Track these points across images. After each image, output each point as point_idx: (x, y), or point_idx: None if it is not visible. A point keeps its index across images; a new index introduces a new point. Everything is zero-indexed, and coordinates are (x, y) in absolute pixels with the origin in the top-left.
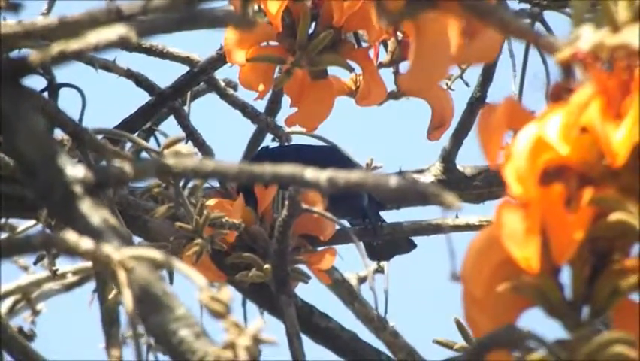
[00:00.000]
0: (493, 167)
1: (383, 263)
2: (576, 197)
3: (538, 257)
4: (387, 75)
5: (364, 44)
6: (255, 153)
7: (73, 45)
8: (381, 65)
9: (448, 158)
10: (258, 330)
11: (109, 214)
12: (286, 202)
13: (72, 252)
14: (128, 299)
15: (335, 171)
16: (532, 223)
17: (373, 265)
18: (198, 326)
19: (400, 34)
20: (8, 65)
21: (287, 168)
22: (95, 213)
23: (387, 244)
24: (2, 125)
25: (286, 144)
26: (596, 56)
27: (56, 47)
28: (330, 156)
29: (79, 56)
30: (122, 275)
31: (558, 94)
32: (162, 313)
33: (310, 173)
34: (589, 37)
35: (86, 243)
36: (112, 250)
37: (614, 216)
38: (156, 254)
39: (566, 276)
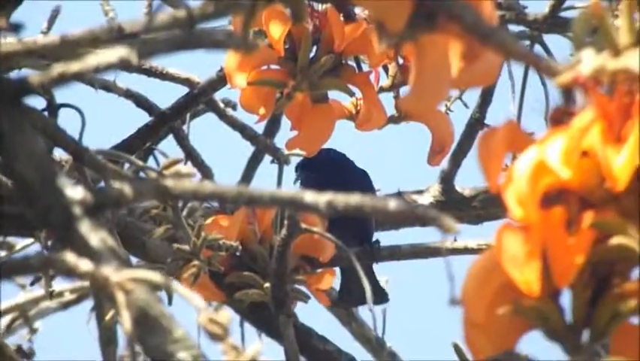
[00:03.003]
0: (494, 190)
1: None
2: (577, 221)
3: (538, 280)
4: (387, 99)
5: (365, 68)
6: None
7: (74, 67)
8: (381, 90)
9: (447, 179)
10: (257, 352)
11: (108, 236)
12: (286, 222)
13: (71, 273)
14: (126, 321)
15: (334, 194)
16: (533, 247)
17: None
18: (197, 348)
19: (400, 59)
20: (8, 86)
21: (286, 192)
22: (93, 235)
23: (359, 291)
24: (2, 146)
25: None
26: (597, 80)
27: (57, 69)
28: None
29: (79, 78)
30: (120, 297)
31: (559, 118)
32: (160, 335)
33: (309, 196)
34: (590, 61)
35: (84, 264)
36: (111, 272)
37: (615, 241)
38: (155, 276)
39: (566, 299)
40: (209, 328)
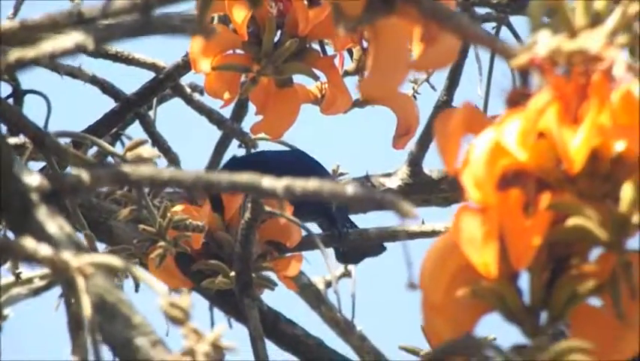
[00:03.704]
0: (451, 172)
1: (350, 267)
2: (534, 202)
3: (496, 262)
4: (352, 83)
5: (330, 52)
6: (224, 162)
7: (30, 53)
8: (346, 73)
9: (415, 161)
10: (218, 336)
11: (65, 222)
12: (249, 205)
13: (31, 258)
14: (86, 306)
15: (292, 179)
16: (491, 228)
17: (339, 270)
18: (155, 334)
19: (365, 43)
20: None
21: (244, 177)
22: (51, 221)
23: (357, 247)
24: None
25: (253, 150)
26: (553, 61)
27: (13, 55)
28: (297, 161)
29: (35, 63)
30: (80, 282)
31: (516, 99)
32: (119, 321)
33: (267, 181)
34: (546, 42)
35: (44, 249)
36: (70, 257)
37: (572, 222)
38: (115, 261)
39: (524, 281)
40: (170, 312)
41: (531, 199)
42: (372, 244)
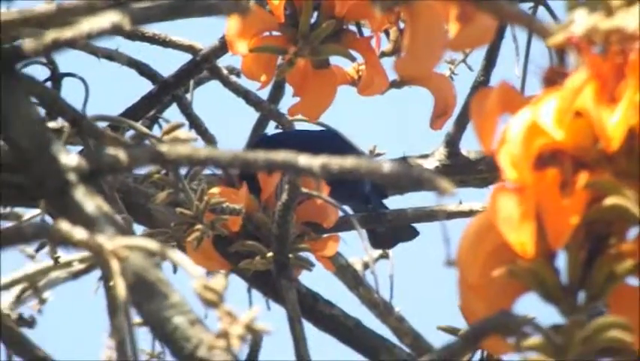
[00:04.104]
0: (488, 152)
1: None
2: (571, 181)
3: (533, 242)
4: (389, 64)
5: (367, 33)
6: (254, 140)
7: (67, 33)
8: (383, 54)
9: (452, 142)
10: (252, 318)
11: (103, 202)
12: (286, 187)
13: (66, 241)
14: (120, 288)
15: (329, 157)
16: (527, 208)
17: (376, 251)
18: (193, 313)
19: (402, 23)
20: (2, 54)
21: (280, 155)
22: (89, 201)
23: (390, 232)
24: None
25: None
26: (590, 40)
27: (50, 35)
28: (331, 141)
29: (72, 44)
30: (114, 264)
31: (552, 78)
32: (157, 300)
33: (304, 159)
34: (582, 21)
35: (79, 232)
36: (105, 240)
37: (610, 201)
38: (150, 243)
39: (562, 261)
40: (204, 294)
41: (568, 178)
42: (405, 229)
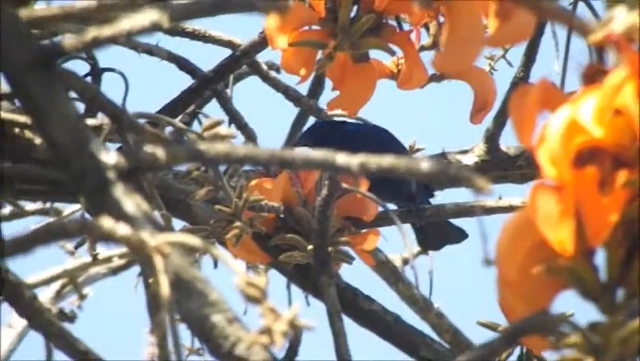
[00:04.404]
0: (527, 148)
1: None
2: (610, 179)
3: (572, 240)
4: (429, 58)
5: (406, 27)
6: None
7: (106, 31)
8: (422, 49)
9: (492, 138)
10: (295, 315)
11: (142, 200)
12: (326, 182)
13: (108, 238)
14: (164, 286)
15: (367, 155)
16: (567, 206)
17: (415, 247)
18: (231, 311)
19: (441, 17)
20: (42, 50)
21: (318, 154)
22: (128, 199)
23: (438, 233)
24: (34, 112)
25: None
26: (630, 37)
27: (90, 33)
28: (376, 135)
29: (112, 41)
30: (158, 261)
31: (592, 76)
32: (195, 298)
33: (342, 158)
34: (622, 18)
35: (122, 229)
36: (148, 236)
37: None
38: (193, 240)
39: (600, 258)
40: (247, 291)
41: (607, 176)
42: (454, 231)
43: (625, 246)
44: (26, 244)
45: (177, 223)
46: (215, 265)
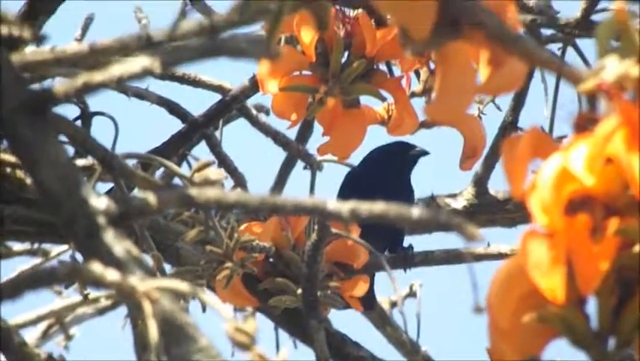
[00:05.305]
0: (518, 196)
1: (416, 288)
2: (601, 227)
3: (563, 287)
4: (419, 104)
5: (397, 73)
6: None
7: (97, 77)
8: (413, 95)
9: (480, 182)
10: None
11: (132, 246)
12: (316, 227)
13: (98, 283)
14: (153, 331)
15: (357, 202)
16: (558, 253)
17: (404, 290)
18: (221, 357)
19: (432, 64)
20: (33, 96)
21: (309, 200)
22: (118, 245)
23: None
24: (25, 157)
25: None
26: (621, 86)
27: (81, 79)
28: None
29: (103, 87)
30: (147, 306)
31: (583, 124)
32: (185, 344)
33: (332, 204)
34: (613, 68)
35: (111, 274)
36: (137, 281)
37: None
38: (182, 285)
39: (592, 306)
40: (236, 337)
41: (598, 224)
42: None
43: (616, 294)
44: (15, 289)
45: (166, 266)
46: (204, 310)
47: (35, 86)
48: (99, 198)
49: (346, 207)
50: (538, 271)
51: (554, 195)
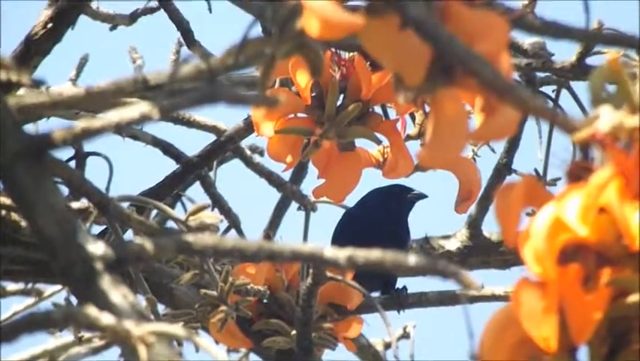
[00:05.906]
0: (510, 244)
1: (409, 329)
2: (594, 277)
3: (556, 337)
4: (415, 147)
5: (392, 116)
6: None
7: (96, 123)
8: (408, 137)
9: (474, 224)
10: None
11: (128, 291)
12: (311, 270)
13: (93, 326)
14: None
15: (354, 249)
16: (550, 303)
17: (398, 332)
18: None
19: (427, 107)
20: (31, 142)
21: (306, 247)
22: (114, 291)
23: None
24: (22, 201)
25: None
26: (615, 136)
27: (79, 125)
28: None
29: (101, 132)
30: (142, 351)
31: (577, 173)
32: None
33: (329, 251)
34: (607, 117)
35: (106, 318)
36: (132, 325)
37: (632, 298)
38: (176, 329)
39: (583, 354)
40: None
41: (591, 274)
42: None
43: (608, 343)
44: (11, 333)
45: (160, 307)
46: (197, 350)
47: (31, 129)
48: (96, 244)
49: (343, 254)
50: (530, 319)
51: (547, 245)
